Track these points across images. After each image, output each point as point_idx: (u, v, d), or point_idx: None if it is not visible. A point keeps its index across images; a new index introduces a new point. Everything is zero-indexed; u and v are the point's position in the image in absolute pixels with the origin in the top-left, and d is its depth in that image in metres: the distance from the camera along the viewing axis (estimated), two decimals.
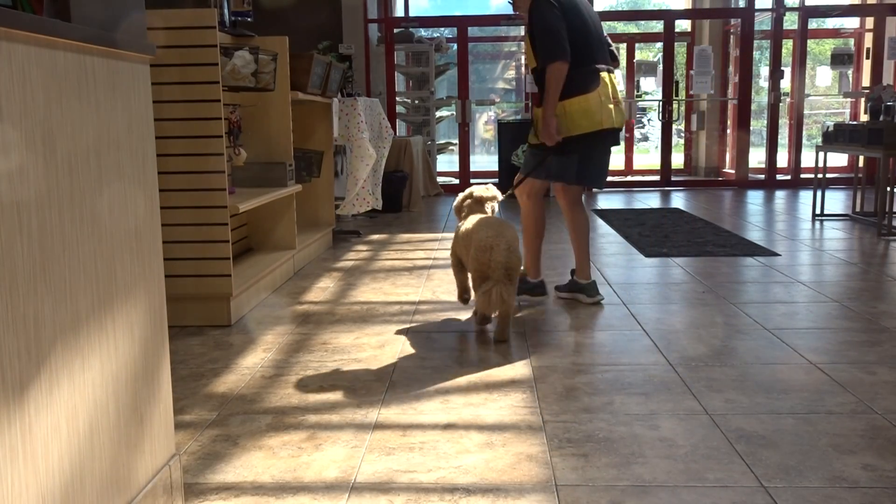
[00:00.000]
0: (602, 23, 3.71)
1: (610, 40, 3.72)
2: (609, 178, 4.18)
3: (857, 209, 6.73)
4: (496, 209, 3.56)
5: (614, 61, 3.71)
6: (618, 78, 3.69)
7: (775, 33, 9.94)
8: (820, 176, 6.73)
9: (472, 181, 10.14)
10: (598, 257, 5.06)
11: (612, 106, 3.53)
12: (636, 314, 3.56)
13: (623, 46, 11.93)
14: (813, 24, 10.55)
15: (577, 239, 3.79)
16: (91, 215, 1.44)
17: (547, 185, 3.81)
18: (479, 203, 3.51)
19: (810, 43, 11.51)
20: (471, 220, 3.33)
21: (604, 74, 3.54)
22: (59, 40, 1.33)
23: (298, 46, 4.88)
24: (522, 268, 3.61)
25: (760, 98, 11.45)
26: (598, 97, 3.49)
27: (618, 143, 3.72)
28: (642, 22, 18.73)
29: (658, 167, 10.41)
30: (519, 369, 2.81)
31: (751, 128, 10.25)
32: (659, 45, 10.90)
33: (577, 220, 3.78)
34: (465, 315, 3.57)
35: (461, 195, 3.60)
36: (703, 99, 11.31)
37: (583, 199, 3.80)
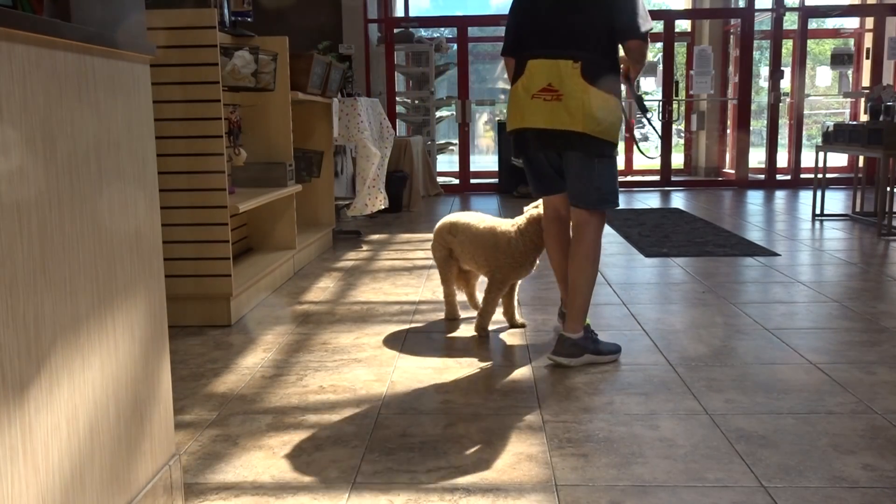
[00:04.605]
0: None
1: (624, 8, 2.75)
2: None
3: (857, 209, 6.73)
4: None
5: (624, 38, 2.79)
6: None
7: (775, 33, 9.94)
8: (820, 176, 6.73)
9: (472, 181, 10.16)
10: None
11: (531, 101, 2.79)
12: (636, 314, 3.55)
13: None
14: (813, 24, 10.55)
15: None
16: (91, 215, 1.44)
17: (555, 199, 3.06)
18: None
19: (810, 43, 11.52)
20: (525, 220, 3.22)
21: (535, 62, 2.79)
22: (59, 40, 1.33)
23: (298, 46, 4.88)
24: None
25: (760, 98, 11.45)
26: (514, 92, 2.88)
27: (561, 152, 2.86)
28: None
29: (658, 167, 10.41)
30: (519, 369, 2.81)
31: (751, 128, 10.25)
32: (659, 45, 10.89)
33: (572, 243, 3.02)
34: (465, 315, 3.57)
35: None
36: (703, 99, 11.30)
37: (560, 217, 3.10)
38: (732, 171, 10.57)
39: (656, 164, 10.27)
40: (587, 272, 2.85)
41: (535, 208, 3.18)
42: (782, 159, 10.30)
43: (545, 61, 2.77)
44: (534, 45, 2.83)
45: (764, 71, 11.46)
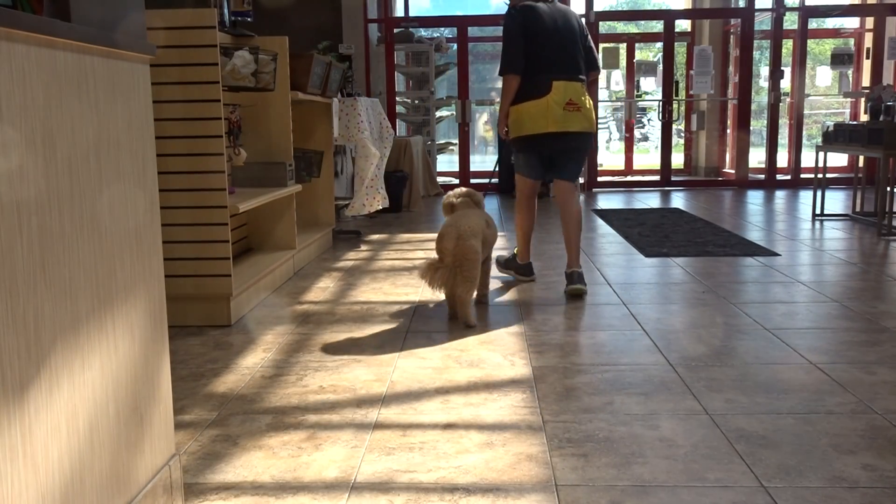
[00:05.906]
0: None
1: (592, 50, 4.06)
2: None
3: (857, 209, 6.73)
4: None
5: (593, 70, 4.04)
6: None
7: (775, 33, 9.94)
8: (820, 176, 6.73)
9: (472, 181, 10.16)
10: (599, 257, 5.07)
11: (563, 112, 3.81)
12: (636, 314, 3.56)
13: (623, 46, 11.93)
14: (813, 24, 10.55)
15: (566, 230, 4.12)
16: (91, 215, 1.44)
17: (530, 182, 4.16)
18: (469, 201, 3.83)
19: (810, 43, 11.51)
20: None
21: (558, 83, 3.80)
22: (59, 40, 1.33)
23: (298, 46, 4.88)
24: (515, 250, 4.35)
25: (760, 98, 11.44)
26: (544, 104, 3.80)
27: (578, 145, 3.94)
28: (642, 22, 18.73)
29: (658, 167, 10.41)
30: (519, 369, 2.81)
31: (751, 128, 10.25)
32: (659, 45, 10.91)
33: (564, 212, 4.11)
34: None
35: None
36: (703, 99, 11.31)
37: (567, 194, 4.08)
38: (732, 171, 10.57)
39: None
40: (580, 225, 4.07)
41: (459, 196, 3.78)
42: (782, 159, 10.30)
43: (567, 82, 3.82)
44: (553, 70, 3.82)
45: (764, 71, 11.46)
